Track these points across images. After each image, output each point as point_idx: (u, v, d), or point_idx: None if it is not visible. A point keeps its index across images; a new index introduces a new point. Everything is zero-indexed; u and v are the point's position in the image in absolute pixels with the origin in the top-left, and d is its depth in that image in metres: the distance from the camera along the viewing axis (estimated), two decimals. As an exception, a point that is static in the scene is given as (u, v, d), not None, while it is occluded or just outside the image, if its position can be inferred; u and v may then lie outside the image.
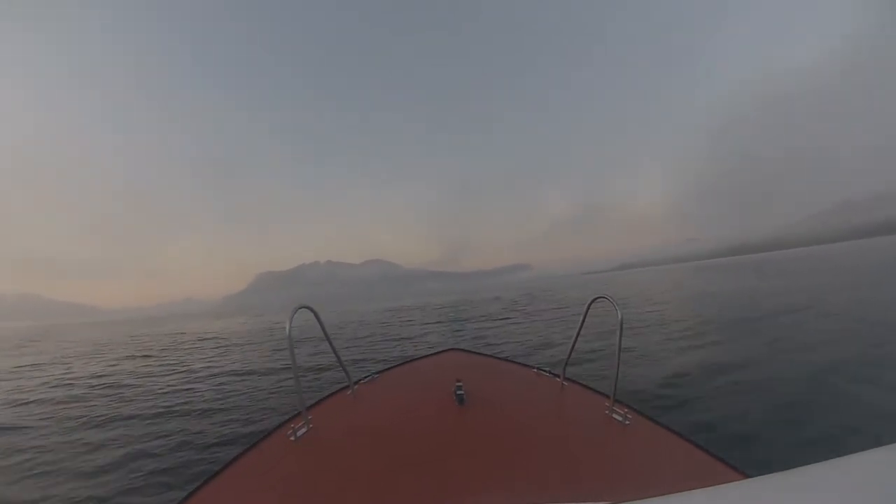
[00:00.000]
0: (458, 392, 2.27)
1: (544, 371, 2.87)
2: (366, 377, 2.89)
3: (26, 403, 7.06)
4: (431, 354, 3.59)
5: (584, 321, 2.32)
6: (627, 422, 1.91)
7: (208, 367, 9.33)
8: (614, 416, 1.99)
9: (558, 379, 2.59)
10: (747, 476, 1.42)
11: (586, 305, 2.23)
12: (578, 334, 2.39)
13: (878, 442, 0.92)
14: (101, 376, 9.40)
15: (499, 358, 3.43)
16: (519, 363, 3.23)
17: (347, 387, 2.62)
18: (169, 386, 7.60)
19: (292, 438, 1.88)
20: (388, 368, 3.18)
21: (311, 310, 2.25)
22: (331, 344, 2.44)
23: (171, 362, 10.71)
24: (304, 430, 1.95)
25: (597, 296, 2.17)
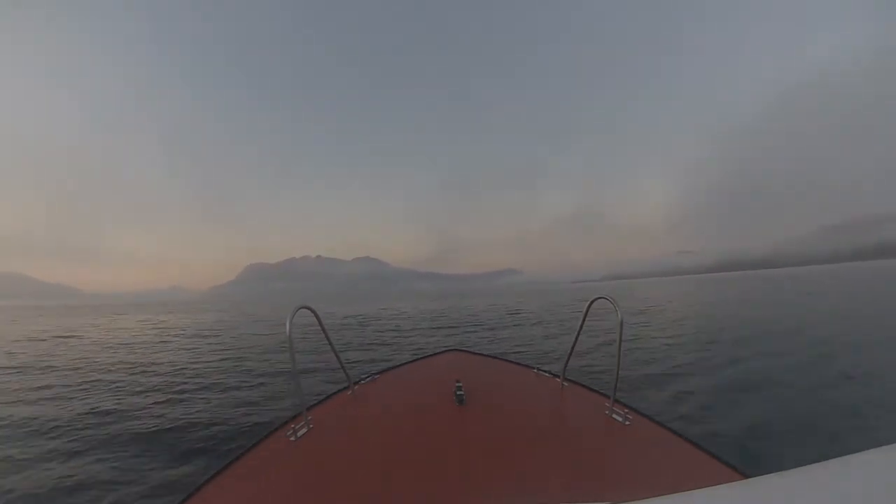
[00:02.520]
0: (458, 392, 2.28)
1: (544, 371, 2.87)
2: (366, 377, 2.88)
3: None
4: (431, 354, 3.57)
5: (584, 321, 2.31)
6: (627, 422, 1.91)
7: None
8: (614, 416, 1.99)
9: (558, 379, 2.59)
10: (747, 476, 1.41)
11: (586, 305, 2.24)
12: (578, 335, 2.38)
13: (878, 442, 0.92)
14: None
15: (499, 358, 3.43)
16: (519, 363, 3.23)
17: (347, 387, 2.61)
18: None
19: (293, 438, 1.87)
20: (389, 369, 3.17)
21: (312, 310, 2.24)
22: (331, 344, 2.43)
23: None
24: (304, 430, 1.95)
25: (597, 296, 2.19)
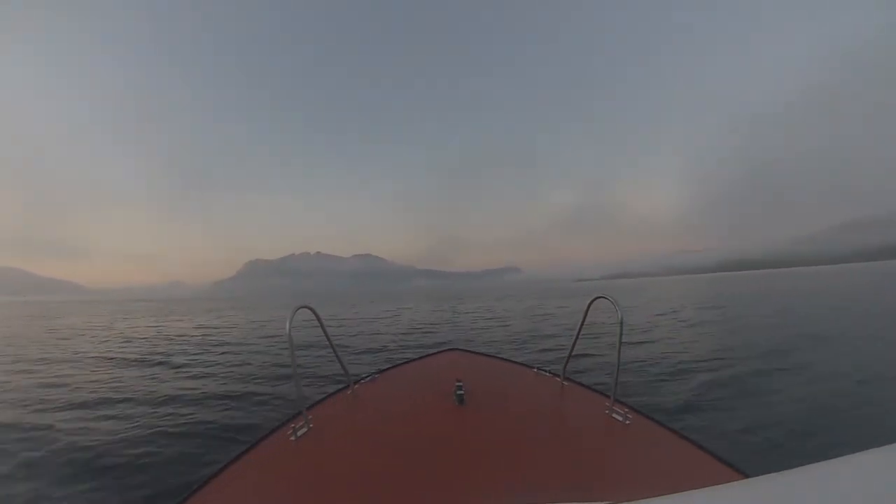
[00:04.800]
0: (458, 392, 2.28)
1: (544, 371, 2.87)
2: (366, 377, 2.88)
3: None
4: (431, 354, 3.57)
5: (584, 321, 2.31)
6: (628, 422, 1.91)
7: None
8: (614, 415, 1.98)
9: (558, 379, 2.59)
10: (747, 476, 1.41)
11: (587, 305, 2.23)
12: (579, 334, 2.38)
13: (878, 442, 0.91)
14: None
15: (499, 358, 3.42)
16: (519, 363, 3.22)
17: (348, 386, 2.61)
18: None
19: (293, 438, 1.87)
20: (389, 368, 3.16)
21: (312, 309, 2.24)
22: (331, 344, 2.43)
23: None
24: (304, 429, 1.95)
25: (597, 295, 2.18)
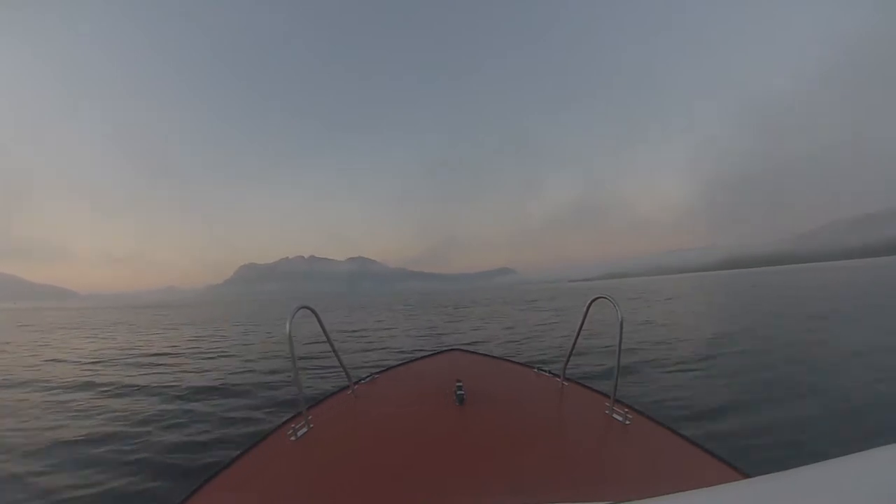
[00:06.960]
0: (459, 392, 2.28)
1: (544, 371, 2.88)
2: (366, 377, 2.89)
3: None
4: (431, 354, 3.59)
5: (584, 321, 2.32)
6: (628, 422, 1.90)
7: None
8: (614, 415, 1.98)
9: (558, 379, 2.60)
10: (747, 476, 1.41)
11: (586, 305, 2.24)
12: (578, 334, 2.40)
13: (878, 442, 0.90)
14: None
15: (499, 358, 3.43)
16: (519, 363, 3.23)
17: (348, 387, 2.61)
18: None
19: (293, 438, 1.87)
20: (389, 368, 3.17)
21: (312, 309, 2.24)
22: (331, 344, 2.44)
23: None
24: (304, 429, 1.95)
25: (597, 295, 2.19)
